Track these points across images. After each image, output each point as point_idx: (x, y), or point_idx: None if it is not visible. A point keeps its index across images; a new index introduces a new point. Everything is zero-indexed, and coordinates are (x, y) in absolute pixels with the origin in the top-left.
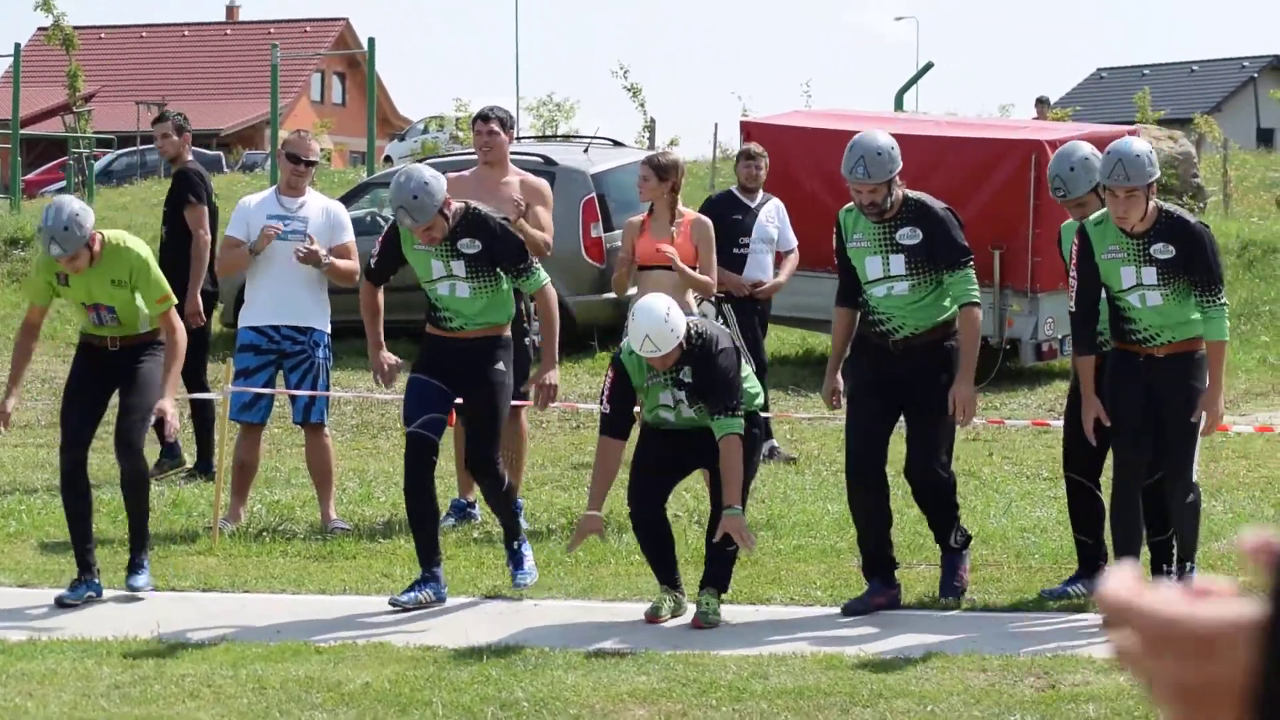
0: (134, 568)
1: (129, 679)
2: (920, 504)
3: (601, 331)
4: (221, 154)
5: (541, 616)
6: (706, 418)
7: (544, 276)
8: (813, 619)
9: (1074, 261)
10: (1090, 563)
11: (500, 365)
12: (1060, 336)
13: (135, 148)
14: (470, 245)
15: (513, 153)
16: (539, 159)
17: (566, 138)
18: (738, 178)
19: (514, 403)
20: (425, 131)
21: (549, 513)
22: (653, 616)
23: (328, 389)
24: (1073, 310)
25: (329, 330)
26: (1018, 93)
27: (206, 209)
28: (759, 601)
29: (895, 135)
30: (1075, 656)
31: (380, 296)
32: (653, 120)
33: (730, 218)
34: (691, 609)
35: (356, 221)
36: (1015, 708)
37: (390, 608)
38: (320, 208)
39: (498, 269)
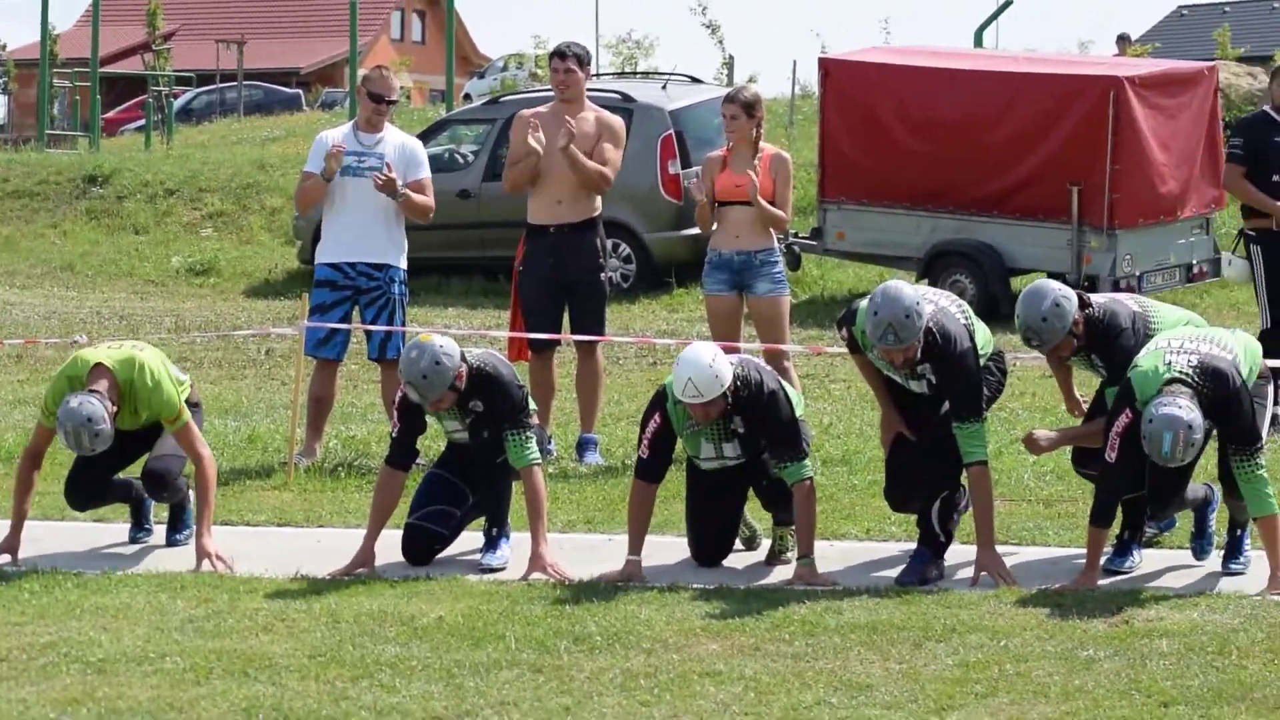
0: (179, 526)
1: (203, 613)
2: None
3: (679, 268)
4: (300, 92)
5: (615, 551)
6: (763, 458)
7: (535, 454)
8: (887, 554)
9: (1119, 429)
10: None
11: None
12: (1139, 273)
13: (214, 86)
14: (476, 405)
15: (591, 90)
16: (617, 96)
17: (645, 75)
18: (1272, 97)
19: (589, 338)
20: (504, 69)
21: (624, 449)
22: None
23: (404, 325)
24: (1109, 467)
25: (405, 267)
26: (1098, 30)
27: None
28: (833, 537)
29: (974, 71)
30: (1149, 592)
31: (401, 486)
32: (731, 57)
33: (1270, 140)
34: (766, 544)
35: (434, 158)
36: (1089, 643)
37: (481, 566)
38: (397, 143)
39: (500, 426)
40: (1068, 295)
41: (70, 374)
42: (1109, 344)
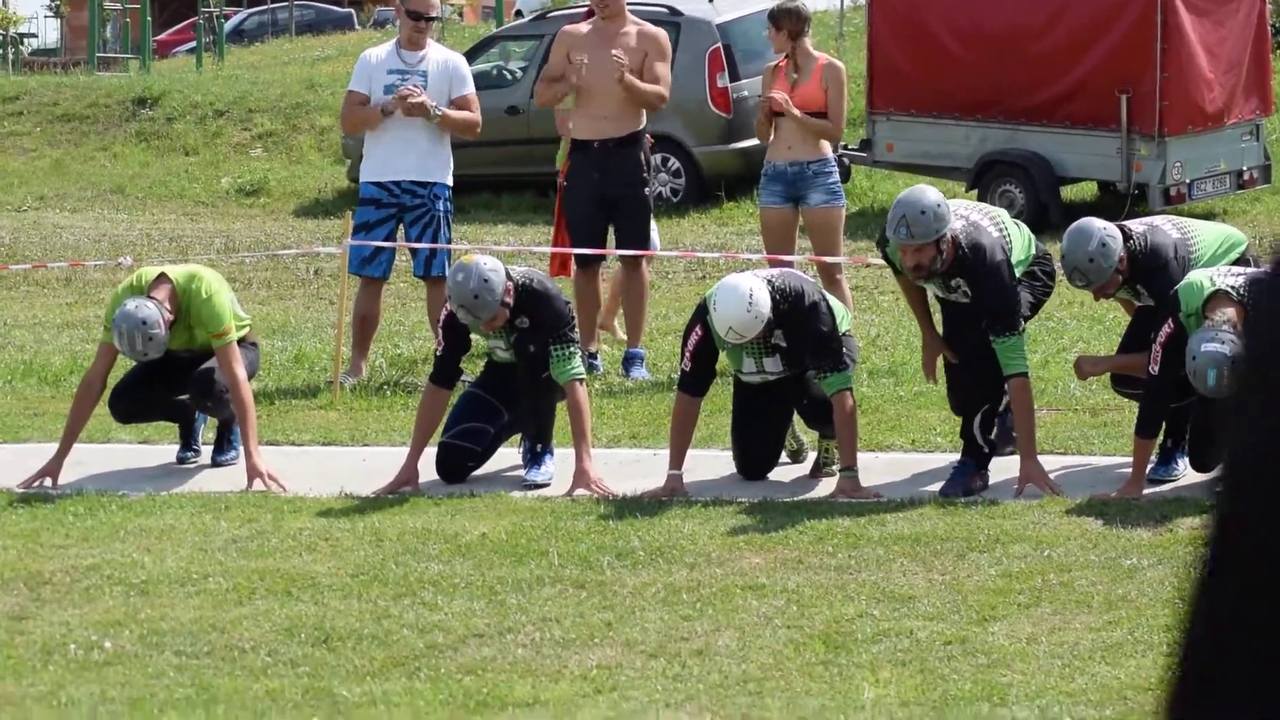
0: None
1: (246, 533)
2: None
3: (728, 182)
4: (353, 11)
5: (660, 466)
6: (806, 375)
7: (579, 369)
8: (933, 465)
9: (1162, 340)
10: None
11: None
12: (1189, 180)
13: (266, 6)
14: (522, 321)
15: (637, 3)
16: (664, 9)
17: None
18: None
19: (636, 252)
20: None
21: (672, 362)
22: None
23: (449, 242)
24: (1153, 378)
25: (450, 183)
26: None
27: None
28: (879, 448)
29: None
30: (1194, 500)
31: (445, 404)
32: None
33: None
34: (811, 455)
35: (482, 75)
36: (1132, 551)
37: (525, 483)
38: (440, 60)
39: (545, 339)
40: (1113, 234)
41: (133, 284)
42: (1152, 275)
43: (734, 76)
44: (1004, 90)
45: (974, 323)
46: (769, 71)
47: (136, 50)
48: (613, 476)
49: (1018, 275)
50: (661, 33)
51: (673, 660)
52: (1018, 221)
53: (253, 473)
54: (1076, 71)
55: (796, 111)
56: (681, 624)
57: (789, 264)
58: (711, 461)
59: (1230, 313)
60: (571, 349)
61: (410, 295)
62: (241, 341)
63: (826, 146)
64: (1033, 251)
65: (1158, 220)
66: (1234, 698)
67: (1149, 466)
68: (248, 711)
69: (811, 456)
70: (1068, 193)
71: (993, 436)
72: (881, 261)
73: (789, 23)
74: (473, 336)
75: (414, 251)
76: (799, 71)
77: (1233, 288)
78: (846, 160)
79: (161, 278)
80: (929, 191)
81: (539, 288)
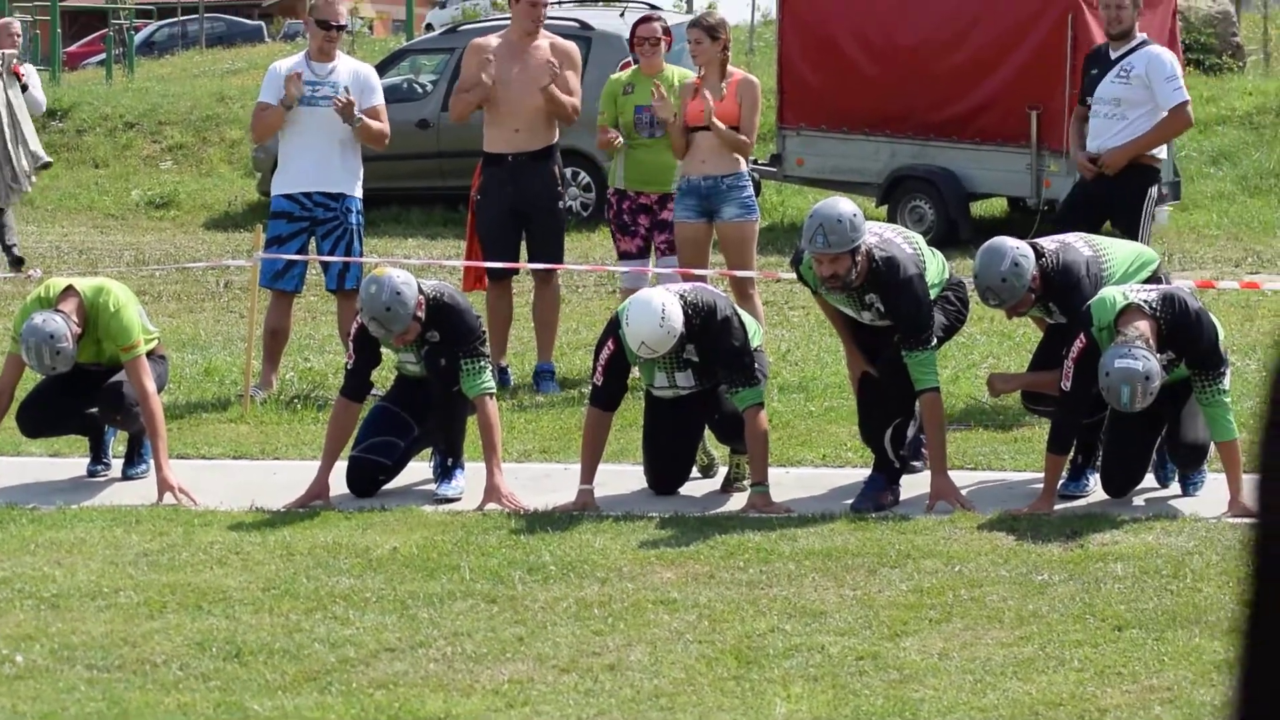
0: (135, 460)
1: (157, 546)
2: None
3: None
4: (263, 24)
5: (571, 480)
6: (718, 390)
7: (489, 383)
8: (844, 480)
9: (1074, 356)
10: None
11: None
12: None
13: (176, 19)
14: (432, 335)
15: (549, 18)
16: (575, 24)
17: (605, 1)
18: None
19: (547, 267)
20: None
21: (582, 376)
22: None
23: (361, 255)
24: (1066, 394)
25: (360, 196)
26: None
27: None
28: (790, 463)
29: None
30: (1105, 516)
31: (356, 417)
32: None
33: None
34: (722, 471)
35: (393, 89)
36: (1043, 567)
37: (436, 497)
38: (350, 71)
39: (456, 353)
40: (1025, 253)
41: (41, 296)
42: (1065, 293)
43: None
44: (914, 106)
45: (886, 342)
46: (684, 89)
47: (46, 62)
48: (524, 491)
49: (931, 296)
50: (573, 46)
51: (584, 675)
52: (932, 249)
53: (163, 486)
54: (987, 87)
55: (721, 124)
56: (593, 639)
57: (701, 278)
58: (623, 476)
59: (1143, 327)
60: (482, 363)
61: (320, 309)
62: (150, 354)
63: (741, 161)
64: (946, 276)
65: (1070, 238)
66: None
67: (1060, 482)
68: None
69: (722, 471)
70: (977, 209)
71: (903, 451)
72: (790, 276)
73: (724, 34)
74: (383, 350)
75: (325, 265)
76: (721, 84)
77: (1145, 302)
78: (757, 175)
79: (69, 290)
80: (843, 201)
81: (450, 302)
